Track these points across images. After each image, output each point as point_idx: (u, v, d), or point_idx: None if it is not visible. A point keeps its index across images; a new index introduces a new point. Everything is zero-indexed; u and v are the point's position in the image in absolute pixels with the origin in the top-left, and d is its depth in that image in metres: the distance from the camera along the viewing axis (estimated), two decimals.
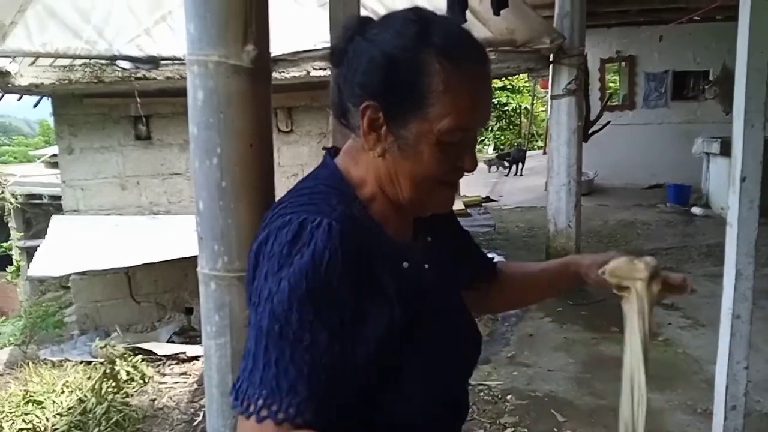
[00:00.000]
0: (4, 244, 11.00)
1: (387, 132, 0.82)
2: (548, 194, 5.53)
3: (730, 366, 2.24)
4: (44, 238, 4.76)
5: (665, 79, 10.37)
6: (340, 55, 0.85)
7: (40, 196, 10.61)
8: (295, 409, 0.71)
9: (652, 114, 10.45)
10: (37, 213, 10.68)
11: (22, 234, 10.65)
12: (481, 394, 3.44)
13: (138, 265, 4.62)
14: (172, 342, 4.85)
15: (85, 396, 3.60)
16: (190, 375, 4.16)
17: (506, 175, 13.31)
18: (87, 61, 4.21)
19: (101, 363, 4.06)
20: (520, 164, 13.36)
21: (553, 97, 5.31)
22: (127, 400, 3.73)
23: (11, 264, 10.56)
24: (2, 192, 9.56)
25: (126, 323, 5.14)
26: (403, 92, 0.80)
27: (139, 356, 4.21)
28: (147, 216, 5.19)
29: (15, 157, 20.73)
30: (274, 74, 3.80)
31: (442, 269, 0.93)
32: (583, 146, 5.33)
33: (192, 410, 3.65)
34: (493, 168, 13.75)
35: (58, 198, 6.07)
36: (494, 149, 19.61)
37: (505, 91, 20.66)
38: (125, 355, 4.13)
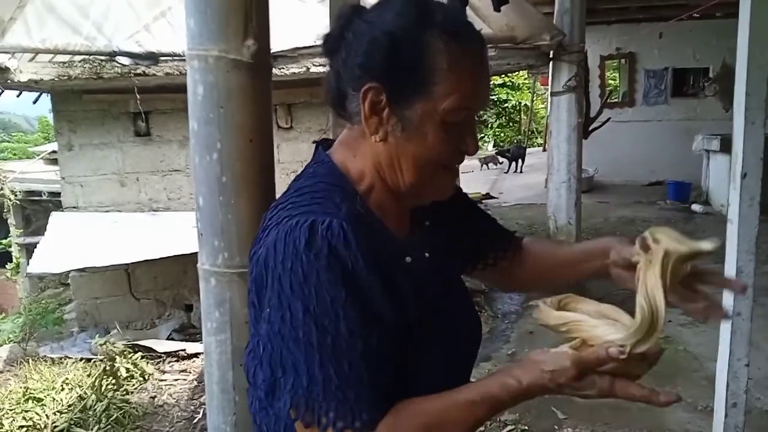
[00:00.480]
0: (4, 241, 10.96)
1: (390, 114, 0.81)
2: (548, 191, 5.52)
3: (730, 363, 2.24)
4: (44, 234, 4.76)
5: (665, 76, 10.35)
6: (335, 41, 0.84)
7: (39, 193, 10.56)
8: (367, 414, 0.73)
9: (652, 111, 10.43)
10: (37, 210, 10.65)
11: (22, 231, 10.62)
12: None
13: (137, 262, 4.62)
14: (172, 339, 4.84)
15: (85, 393, 3.59)
16: (190, 372, 4.16)
17: (506, 172, 13.31)
18: (86, 57, 4.19)
19: (101, 360, 4.06)
20: (520, 161, 13.37)
21: (553, 94, 5.30)
22: (127, 397, 3.73)
23: (11, 261, 10.52)
24: (1, 189, 9.53)
25: (126, 320, 5.13)
26: (406, 72, 0.79)
27: (139, 353, 4.22)
28: (146, 213, 5.19)
29: (14, 154, 20.64)
30: (274, 71, 3.80)
31: (442, 256, 0.93)
32: (583, 143, 5.32)
33: (192, 407, 3.65)
34: (485, 166, 13.67)
35: (58, 194, 6.05)
36: (494, 146, 19.60)
37: (505, 88, 20.62)
38: (125, 353, 4.14)
